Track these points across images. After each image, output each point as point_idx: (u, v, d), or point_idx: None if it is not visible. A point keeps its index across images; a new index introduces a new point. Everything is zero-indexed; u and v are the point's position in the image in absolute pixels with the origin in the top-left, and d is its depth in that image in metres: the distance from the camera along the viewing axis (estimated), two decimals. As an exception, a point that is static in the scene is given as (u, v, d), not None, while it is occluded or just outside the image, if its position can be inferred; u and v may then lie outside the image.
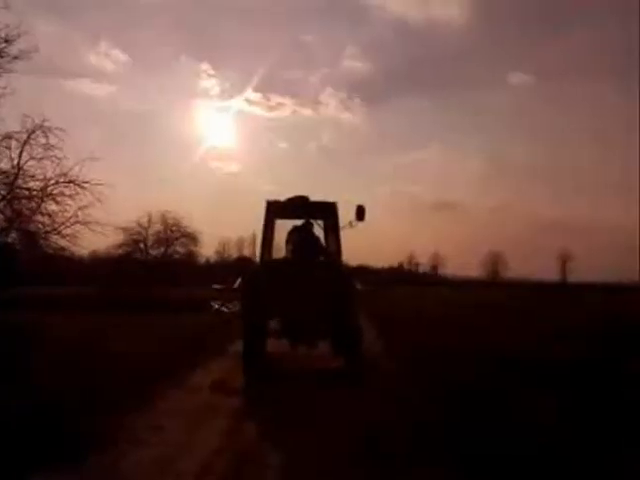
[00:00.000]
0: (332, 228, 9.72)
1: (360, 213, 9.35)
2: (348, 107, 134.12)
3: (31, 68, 13.88)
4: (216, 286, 11.35)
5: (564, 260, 73.67)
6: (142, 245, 41.79)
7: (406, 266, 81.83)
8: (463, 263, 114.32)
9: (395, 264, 79.78)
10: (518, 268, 74.13)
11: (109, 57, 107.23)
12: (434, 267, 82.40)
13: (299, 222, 10.04)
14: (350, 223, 9.41)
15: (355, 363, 8.51)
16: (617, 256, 69.76)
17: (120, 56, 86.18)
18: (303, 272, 8.81)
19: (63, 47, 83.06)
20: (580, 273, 69.07)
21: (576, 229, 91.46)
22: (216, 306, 7.92)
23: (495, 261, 77.89)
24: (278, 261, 9.89)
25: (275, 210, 9.64)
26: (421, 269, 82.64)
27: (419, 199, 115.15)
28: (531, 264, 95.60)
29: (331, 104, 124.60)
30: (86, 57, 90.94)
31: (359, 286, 11.57)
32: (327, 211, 9.66)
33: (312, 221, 10.03)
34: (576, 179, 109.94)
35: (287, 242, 10.05)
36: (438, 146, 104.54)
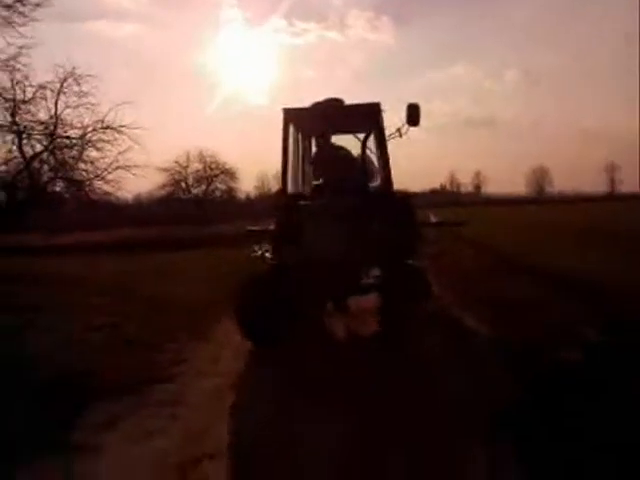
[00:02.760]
0: (377, 140, 7.02)
1: (413, 115, 6.57)
2: (375, 27, 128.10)
3: (49, 15, 13.60)
4: (251, 227, 9.27)
5: (611, 172, 71.10)
6: (183, 184, 42.43)
7: (448, 187, 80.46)
8: (506, 181, 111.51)
9: (436, 186, 78.54)
10: (563, 182, 72.14)
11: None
12: (477, 187, 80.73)
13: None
14: (399, 130, 6.75)
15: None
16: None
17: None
18: (334, 205, 6.40)
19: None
20: (627, 185, 66.76)
21: (620, 139, 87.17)
22: (259, 252, 6.76)
23: (540, 177, 75.77)
24: (303, 194, 7.38)
25: (296, 121, 7.21)
26: (463, 189, 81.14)
27: (455, 117, 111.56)
28: (576, 177, 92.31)
29: (358, 25, 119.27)
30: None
31: (434, 218, 10.43)
32: (368, 117, 6.96)
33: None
34: (616, 86, 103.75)
35: (313, 167, 7.65)
36: (470, 62, 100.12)
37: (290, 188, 7.18)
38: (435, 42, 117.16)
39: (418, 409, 4.14)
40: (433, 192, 72.78)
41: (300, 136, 7.67)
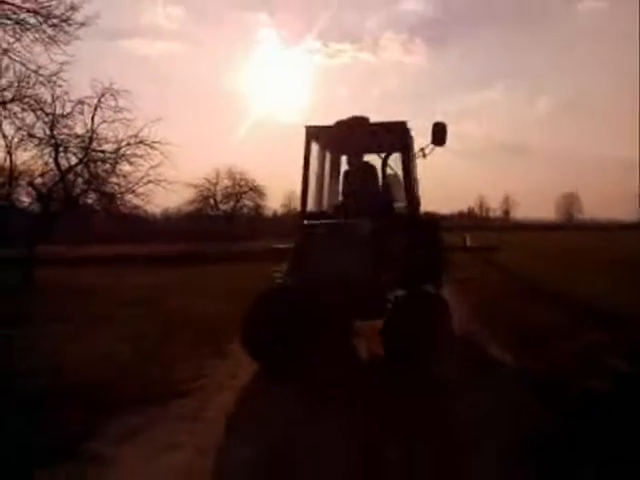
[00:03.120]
0: (403, 160, 6.70)
1: (439, 134, 6.33)
2: (409, 49, 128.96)
3: (89, 32, 14.01)
4: (277, 245, 8.88)
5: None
6: (212, 201, 42.95)
7: (477, 211, 79.77)
8: (534, 206, 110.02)
9: (464, 209, 77.95)
10: (594, 210, 71.01)
11: (162, 14, 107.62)
12: (506, 211, 79.82)
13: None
14: (422, 150, 6.59)
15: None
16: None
17: (173, 12, 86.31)
18: (339, 227, 6.16)
19: (110, 6, 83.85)
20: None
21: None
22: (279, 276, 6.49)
23: (570, 203, 74.65)
24: (325, 213, 7.05)
25: (319, 139, 6.98)
26: (491, 214, 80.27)
27: (486, 141, 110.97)
28: (607, 205, 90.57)
29: (392, 47, 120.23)
30: (139, 15, 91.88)
31: (469, 242, 9.93)
32: (394, 136, 6.61)
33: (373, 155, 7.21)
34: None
35: (339, 185, 7.56)
36: (504, 86, 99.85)
37: (313, 206, 7.04)
38: (469, 65, 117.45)
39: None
40: (461, 215, 72.34)
41: (325, 154, 7.47)
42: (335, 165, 7.82)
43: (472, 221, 66.57)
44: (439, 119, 6.33)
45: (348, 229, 6.09)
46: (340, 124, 6.73)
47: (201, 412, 4.53)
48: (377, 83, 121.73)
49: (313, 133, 6.76)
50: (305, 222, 6.47)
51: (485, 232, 37.75)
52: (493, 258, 18.00)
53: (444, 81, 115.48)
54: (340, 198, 7.41)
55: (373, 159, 7.26)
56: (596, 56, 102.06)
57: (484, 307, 9.13)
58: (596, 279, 11.78)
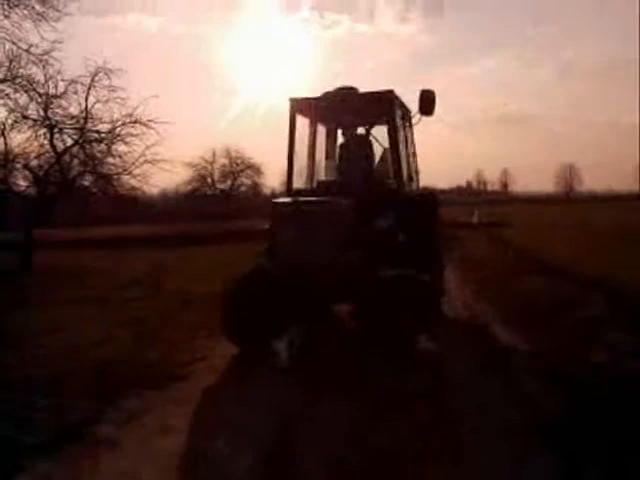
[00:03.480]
0: (389, 132, 6.33)
1: (426, 102, 6.13)
2: (405, 19, 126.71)
3: (80, 9, 13.84)
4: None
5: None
6: (209, 180, 42.78)
7: (475, 185, 79.58)
8: (533, 179, 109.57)
9: (462, 183, 77.74)
10: (595, 181, 70.75)
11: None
12: (504, 185, 79.67)
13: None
14: (409, 119, 6.58)
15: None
16: None
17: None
18: (315, 207, 5.65)
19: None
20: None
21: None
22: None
23: (569, 175, 74.48)
24: (311, 190, 6.69)
25: (305, 112, 6.74)
26: (489, 187, 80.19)
27: (484, 113, 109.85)
28: (609, 176, 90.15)
29: (387, 18, 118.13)
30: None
31: (476, 218, 9.44)
32: (381, 107, 6.30)
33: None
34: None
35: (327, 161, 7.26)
36: (501, 56, 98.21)
37: (300, 183, 6.76)
38: (466, 35, 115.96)
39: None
40: (459, 190, 72.16)
41: (313, 128, 7.16)
42: (326, 139, 7.51)
43: (470, 195, 66.40)
44: (437, 91, 6.03)
45: (317, 207, 5.66)
46: (325, 95, 6.45)
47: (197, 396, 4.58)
48: (372, 54, 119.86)
49: (298, 106, 6.49)
50: (274, 200, 6.22)
51: (485, 207, 37.50)
52: (504, 235, 17.49)
53: (439, 52, 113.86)
54: (332, 173, 7.13)
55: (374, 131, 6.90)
56: (595, 22, 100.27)
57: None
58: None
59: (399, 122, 6.42)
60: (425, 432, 3.65)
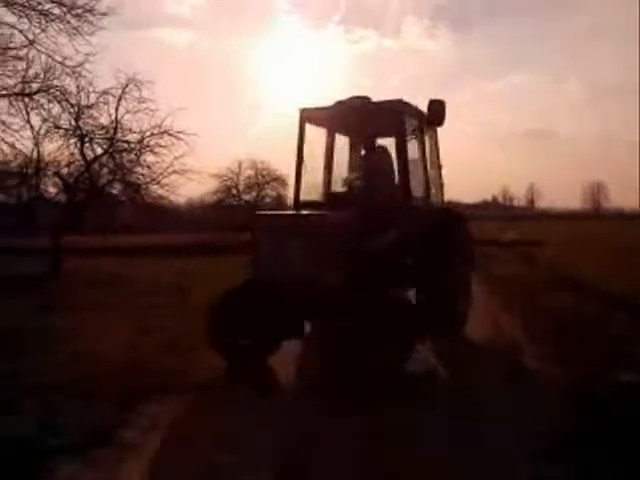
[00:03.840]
0: (397, 143, 6.10)
1: (436, 112, 6.01)
2: (432, 35, 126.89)
3: (112, 22, 14.26)
4: None
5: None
6: (235, 191, 43.11)
7: (500, 200, 78.73)
8: (559, 195, 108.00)
9: (488, 198, 77.00)
10: (623, 199, 69.51)
11: (185, 2, 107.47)
12: (530, 201, 78.65)
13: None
14: (421, 130, 6.24)
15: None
16: None
17: (195, 0, 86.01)
18: (295, 222, 5.46)
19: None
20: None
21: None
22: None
23: (596, 192, 73.29)
24: (316, 202, 6.36)
25: (316, 122, 6.51)
26: (515, 203, 79.25)
27: (511, 128, 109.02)
28: (634, 195, 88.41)
29: (414, 33, 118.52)
30: (162, 5, 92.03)
31: (511, 236, 8.58)
32: (392, 117, 6.03)
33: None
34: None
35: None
36: (530, 72, 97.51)
37: (308, 195, 6.44)
38: (494, 51, 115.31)
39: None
40: (485, 204, 71.41)
41: (326, 139, 6.93)
42: (335, 150, 7.10)
43: (495, 210, 65.61)
44: (464, 106, 6.01)
45: (293, 221, 5.50)
46: (336, 105, 6.21)
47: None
48: (399, 69, 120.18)
49: (308, 116, 6.29)
50: (257, 213, 6.07)
51: (514, 222, 36.74)
52: (541, 256, 15.78)
53: (468, 67, 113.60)
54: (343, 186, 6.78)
55: (389, 142, 6.56)
56: (624, 41, 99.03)
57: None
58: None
59: (409, 132, 6.12)
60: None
